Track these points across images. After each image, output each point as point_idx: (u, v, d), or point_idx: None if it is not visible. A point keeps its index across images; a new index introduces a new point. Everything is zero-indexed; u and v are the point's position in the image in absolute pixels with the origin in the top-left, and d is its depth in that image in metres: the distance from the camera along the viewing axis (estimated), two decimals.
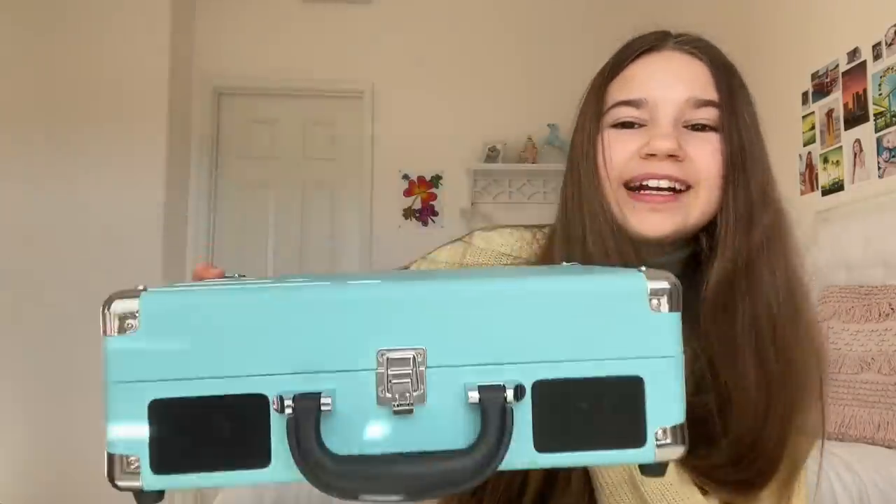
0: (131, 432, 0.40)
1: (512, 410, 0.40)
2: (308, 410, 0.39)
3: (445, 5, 3.71)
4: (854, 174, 2.72)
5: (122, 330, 0.40)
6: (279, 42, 3.61)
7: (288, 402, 0.39)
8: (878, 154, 2.58)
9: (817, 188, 2.94)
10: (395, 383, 0.41)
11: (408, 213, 3.61)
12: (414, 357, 0.41)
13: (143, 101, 3.16)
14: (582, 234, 0.66)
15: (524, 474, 0.66)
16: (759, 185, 0.64)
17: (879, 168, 2.57)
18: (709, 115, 0.65)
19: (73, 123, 3.11)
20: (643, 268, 0.44)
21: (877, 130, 2.58)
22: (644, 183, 0.65)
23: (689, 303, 0.64)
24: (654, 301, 0.43)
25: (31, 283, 3.02)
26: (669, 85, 0.65)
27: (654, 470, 0.44)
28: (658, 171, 0.64)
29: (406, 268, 0.79)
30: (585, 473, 0.65)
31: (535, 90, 3.49)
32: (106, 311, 0.41)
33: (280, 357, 0.41)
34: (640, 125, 0.66)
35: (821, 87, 2.94)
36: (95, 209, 3.07)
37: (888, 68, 2.53)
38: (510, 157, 3.59)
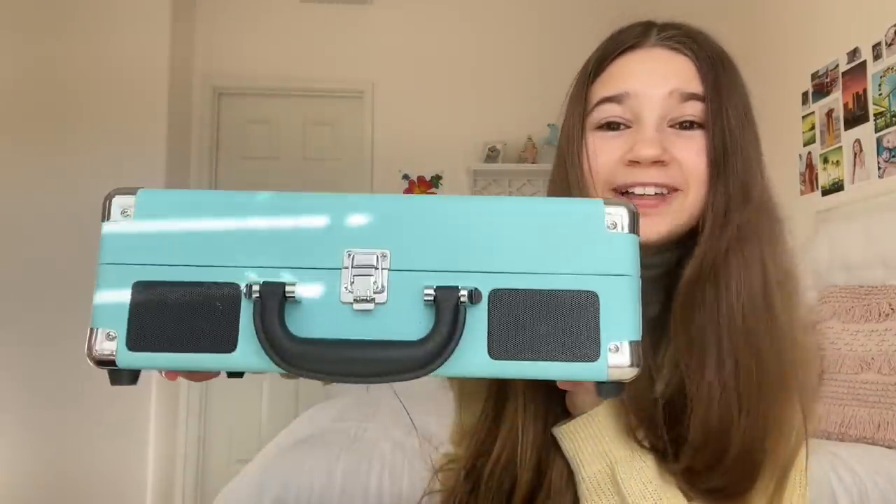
0: (114, 309, 0.44)
1: (465, 309, 0.42)
2: (273, 295, 0.43)
3: (445, 5, 3.72)
4: (854, 174, 2.72)
5: (117, 218, 0.46)
6: (279, 42, 3.61)
7: (256, 288, 0.43)
8: (878, 154, 2.58)
9: (817, 188, 2.94)
10: (358, 279, 0.44)
11: None
12: (378, 257, 0.44)
13: (143, 101, 3.16)
14: None
15: (513, 476, 0.65)
16: (740, 181, 0.62)
17: (879, 168, 2.58)
18: (694, 110, 0.63)
19: (73, 123, 3.11)
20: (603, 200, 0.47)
21: (877, 130, 2.58)
22: (630, 190, 0.64)
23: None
24: (611, 221, 0.45)
25: (31, 282, 3.02)
26: (653, 81, 0.63)
27: (610, 390, 0.45)
28: (644, 178, 0.62)
29: None
30: (571, 473, 0.64)
31: (535, 90, 3.49)
32: (107, 202, 0.47)
33: (255, 252, 0.45)
34: (626, 126, 0.64)
35: (821, 87, 2.94)
36: (96, 209, 3.06)
37: (888, 68, 2.53)
38: (510, 157, 3.59)
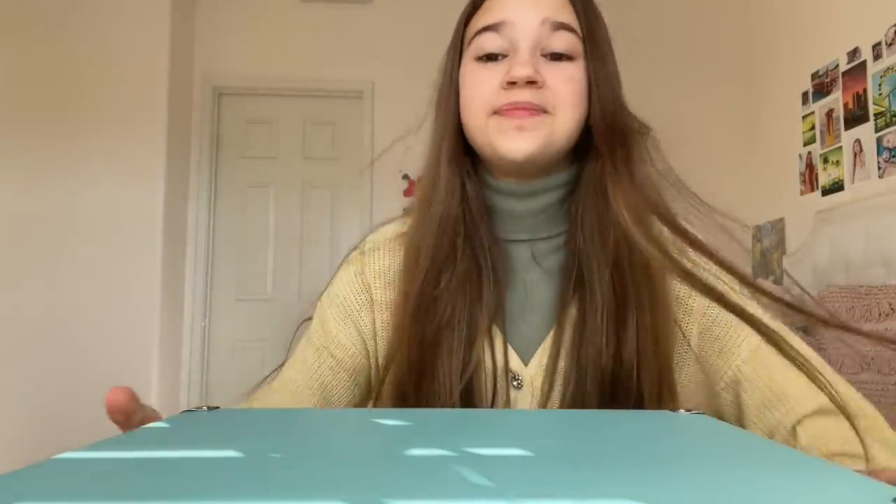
0: None
1: None
2: None
3: (445, 5, 3.72)
4: (854, 174, 2.72)
5: None
6: (279, 42, 3.61)
7: None
8: (878, 154, 2.58)
9: (817, 188, 2.94)
10: None
11: (408, 213, 3.61)
12: None
13: (143, 101, 3.16)
14: (433, 182, 0.76)
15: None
16: (611, 106, 0.69)
17: (879, 168, 2.58)
18: (563, 40, 0.68)
19: (74, 123, 3.11)
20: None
21: (877, 130, 2.59)
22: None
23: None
24: None
25: (31, 282, 3.02)
26: (526, 10, 0.69)
27: None
28: (519, 98, 0.67)
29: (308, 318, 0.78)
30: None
31: None
32: None
33: None
34: (503, 56, 0.69)
35: (821, 87, 2.94)
36: (95, 209, 3.08)
37: (888, 68, 2.53)
38: None
